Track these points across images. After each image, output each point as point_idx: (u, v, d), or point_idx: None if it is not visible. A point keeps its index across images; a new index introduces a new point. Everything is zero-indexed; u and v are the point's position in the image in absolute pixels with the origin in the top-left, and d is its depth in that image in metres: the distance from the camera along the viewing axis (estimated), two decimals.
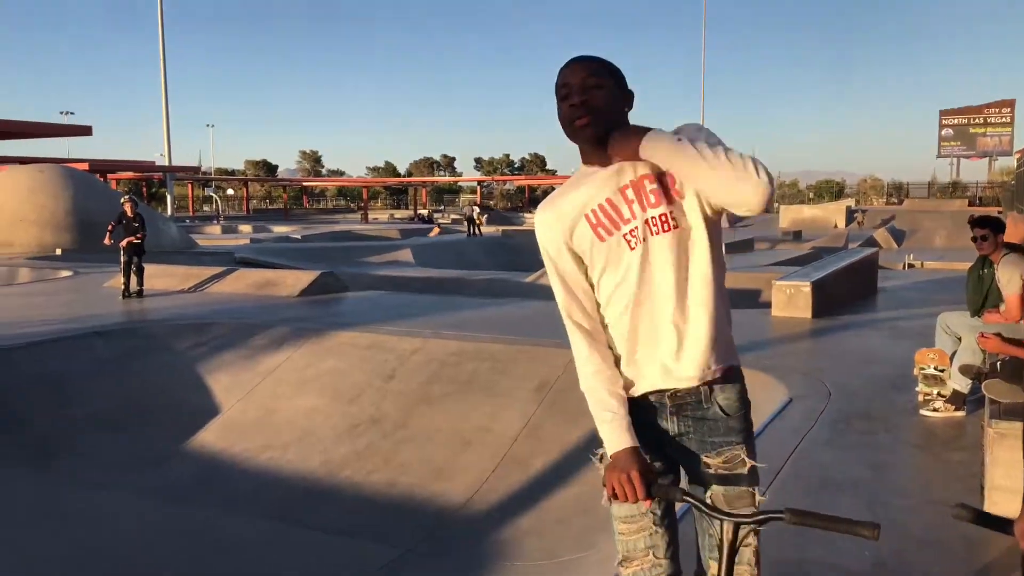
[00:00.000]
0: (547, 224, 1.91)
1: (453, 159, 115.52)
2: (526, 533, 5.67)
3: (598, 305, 1.87)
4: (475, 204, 40.55)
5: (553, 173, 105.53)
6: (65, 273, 15.59)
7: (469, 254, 26.79)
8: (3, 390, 7.63)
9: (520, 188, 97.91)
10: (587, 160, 1.88)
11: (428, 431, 7.21)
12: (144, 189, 66.36)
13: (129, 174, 58.24)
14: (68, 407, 7.71)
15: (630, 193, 1.79)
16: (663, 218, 1.77)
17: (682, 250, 1.77)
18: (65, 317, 10.59)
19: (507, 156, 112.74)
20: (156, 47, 50.41)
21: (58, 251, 20.07)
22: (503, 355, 8.02)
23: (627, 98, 1.87)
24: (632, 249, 1.79)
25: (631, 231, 1.78)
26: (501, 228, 36.72)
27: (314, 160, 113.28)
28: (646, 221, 1.77)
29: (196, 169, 63.55)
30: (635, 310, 1.81)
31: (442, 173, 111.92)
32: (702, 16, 68.10)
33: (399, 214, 75.90)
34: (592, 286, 1.87)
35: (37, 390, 7.80)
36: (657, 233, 1.76)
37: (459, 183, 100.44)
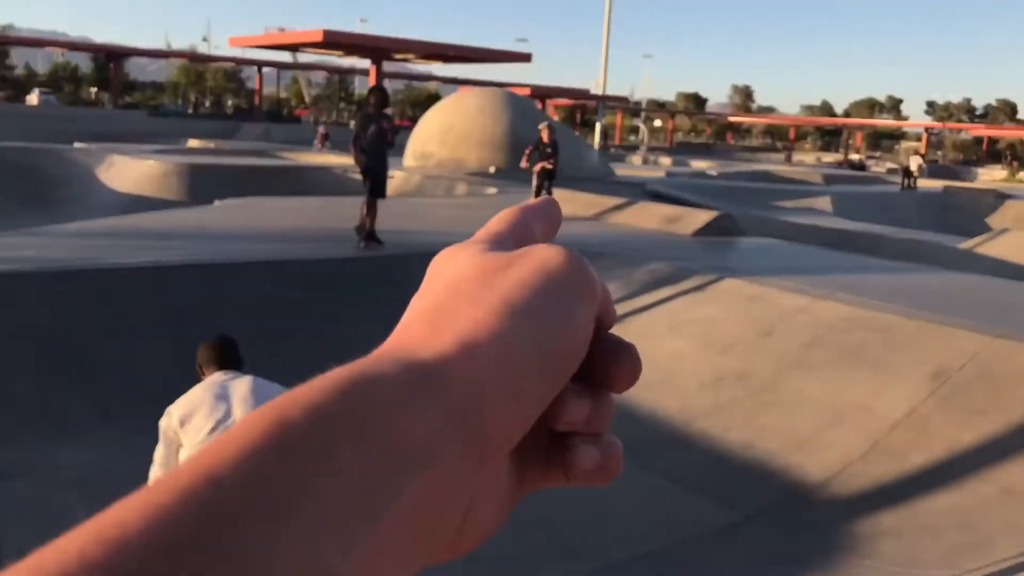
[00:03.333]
0: None
1: (900, 101, 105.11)
2: (885, 532, 5.03)
3: None
4: (916, 153, 36.36)
5: None
6: (491, 191, 17.22)
7: (899, 210, 24.30)
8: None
9: (977, 139, 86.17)
10: None
11: (798, 398, 6.70)
12: (578, 115, 70.67)
13: (565, 100, 62.37)
14: None
15: None
16: None
17: None
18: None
19: (967, 101, 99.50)
20: None
21: (492, 169, 22.19)
22: (900, 329, 7.11)
23: None
24: None
25: None
26: (944, 183, 32.68)
27: (745, 95, 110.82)
28: None
29: (626, 100, 65.90)
30: None
31: (885, 116, 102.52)
32: None
33: (827, 158, 71.54)
34: None
35: None
36: None
37: (902, 128, 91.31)
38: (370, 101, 9.41)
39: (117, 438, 6.01)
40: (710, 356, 7.48)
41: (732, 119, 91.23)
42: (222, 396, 3.22)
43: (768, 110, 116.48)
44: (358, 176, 9.48)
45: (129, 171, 18.09)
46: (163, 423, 3.24)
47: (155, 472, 3.28)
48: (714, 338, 7.72)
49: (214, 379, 3.33)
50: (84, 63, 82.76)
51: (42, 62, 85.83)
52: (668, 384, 7.21)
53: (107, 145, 21.76)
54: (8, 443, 5.73)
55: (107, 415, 6.22)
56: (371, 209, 9.33)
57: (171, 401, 3.29)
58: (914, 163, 30.67)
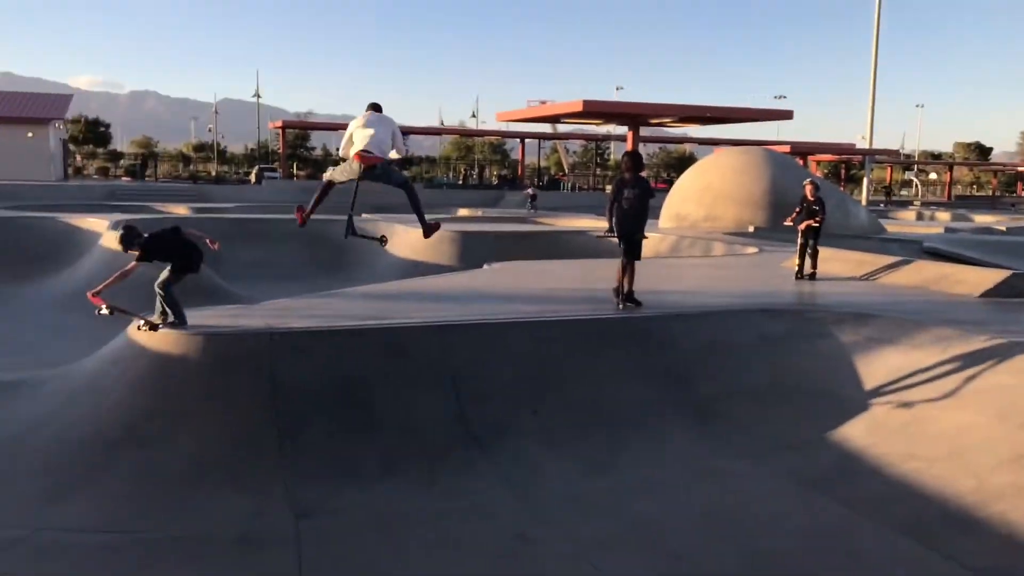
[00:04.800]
0: None
1: None
2: None
3: None
4: None
5: None
6: (752, 250, 16.77)
7: None
8: (684, 354, 8.57)
9: None
10: None
11: None
12: (843, 171, 67.06)
13: (828, 156, 59.50)
14: (727, 376, 8.31)
15: None
16: None
17: None
18: (740, 292, 11.45)
19: None
20: (869, 32, 49.97)
21: (751, 228, 21.65)
22: None
23: None
24: None
25: None
26: None
27: None
28: None
29: (896, 153, 61.70)
30: None
31: None
32: None
33: None
34: None
35: (705, 355, 8.59)
36: None
37: None
38: (626, 165, 9.63)
39: (398, 485, 6.50)
40: (1008, 431, 6.70)
41: (1021, 168, 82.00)
42: (370, 118, 8.37)
43: None
44: (614, 239, 9.67)
45: (408, 238, 19.71)
46: (348, 129, 8.44)
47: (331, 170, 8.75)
48: (1013, 411, 6.92)
49: (366, 114, 8.37)
50: None
51: (335, 143, 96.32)
52: (956, 459, 6.55)
53: (389, 216, 23.84)
54: (308, 483, 6.39)
55: (388, 464, 6.75)
56: (628, 270, 9.47)
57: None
58: None
